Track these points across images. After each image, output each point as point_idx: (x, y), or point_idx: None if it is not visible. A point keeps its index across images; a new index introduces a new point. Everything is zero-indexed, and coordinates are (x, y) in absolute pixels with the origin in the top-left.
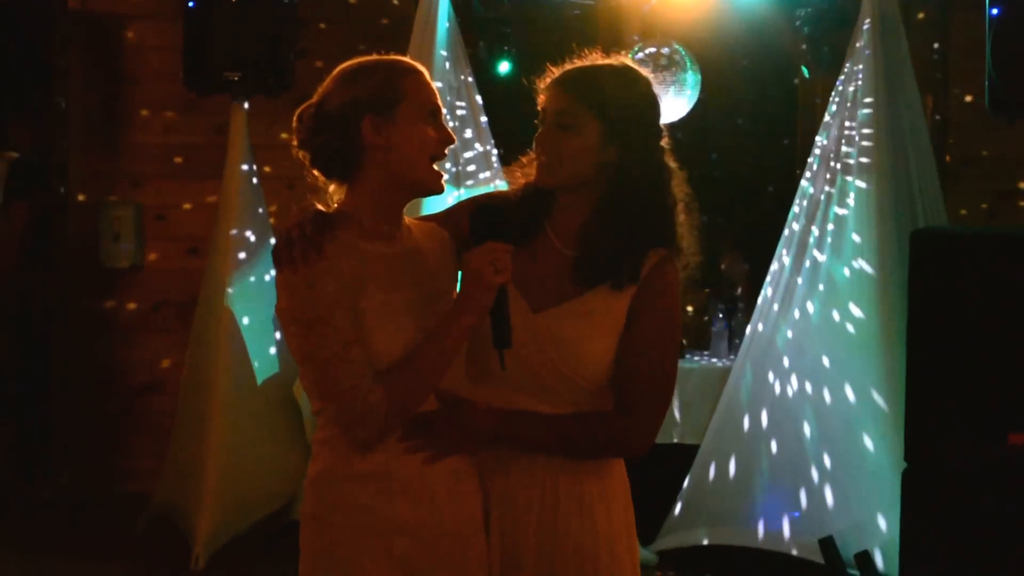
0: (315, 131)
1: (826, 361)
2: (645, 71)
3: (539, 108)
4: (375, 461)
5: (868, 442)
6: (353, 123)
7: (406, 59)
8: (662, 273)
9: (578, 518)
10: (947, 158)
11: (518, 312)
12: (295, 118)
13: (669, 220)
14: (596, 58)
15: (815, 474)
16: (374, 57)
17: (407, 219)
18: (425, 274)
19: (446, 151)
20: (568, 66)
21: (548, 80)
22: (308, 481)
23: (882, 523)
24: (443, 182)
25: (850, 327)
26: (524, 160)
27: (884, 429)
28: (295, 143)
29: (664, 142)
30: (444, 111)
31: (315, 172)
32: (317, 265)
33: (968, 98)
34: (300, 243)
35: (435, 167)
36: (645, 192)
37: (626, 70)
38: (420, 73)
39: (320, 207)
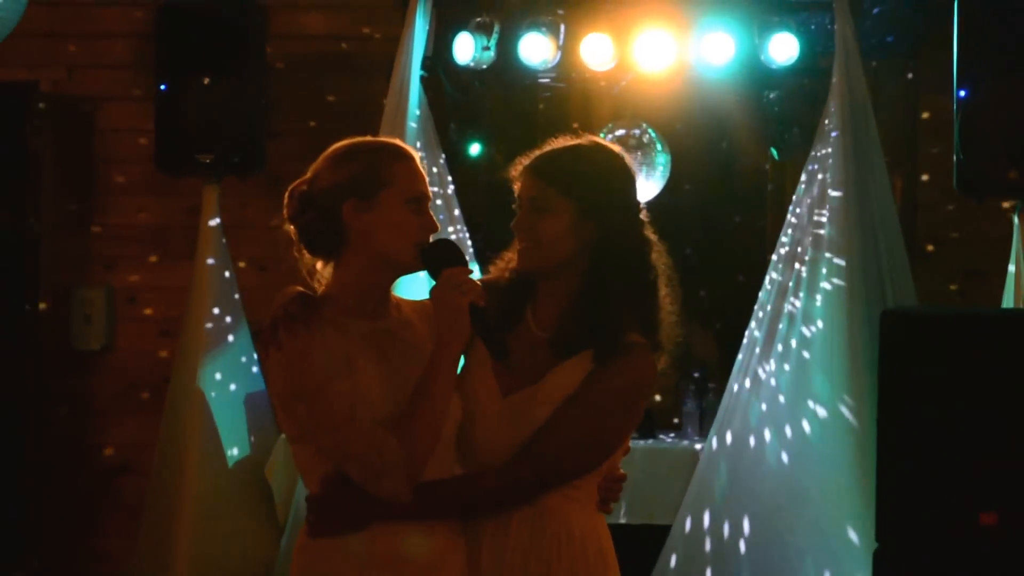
0: (300, 210)
1: (798, 441)
2: (617, 148)
3: (515, 195)
4: (360, 535)
5: (841, 522)
6: (336, 206)
7: (400, 144)
8: (629, 357)
9: None
10: (916, 238)
11: (490, 397)
12: (287, 194)
13: (651, 302)
14: (566, 140)
15: (789, 553)
16: (368, 139)
17: (398, 298)
18: (416, 349)
19: (430, 238)
20: (538, 151)
21: (519, 167)
22: (296, 550)
23: None
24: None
25: (820, 407)
26: (505, 255)
27: (857, 509)
28: (285, 217)
29: (643, 215)
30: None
31: (301, 249)
32: (306, 340)
33: (937, 179)
34: (285, 322)
35: (417, 249)
36: (626, 266)
37: (596, 147)
38: (410, 160)
39: (301, 289)
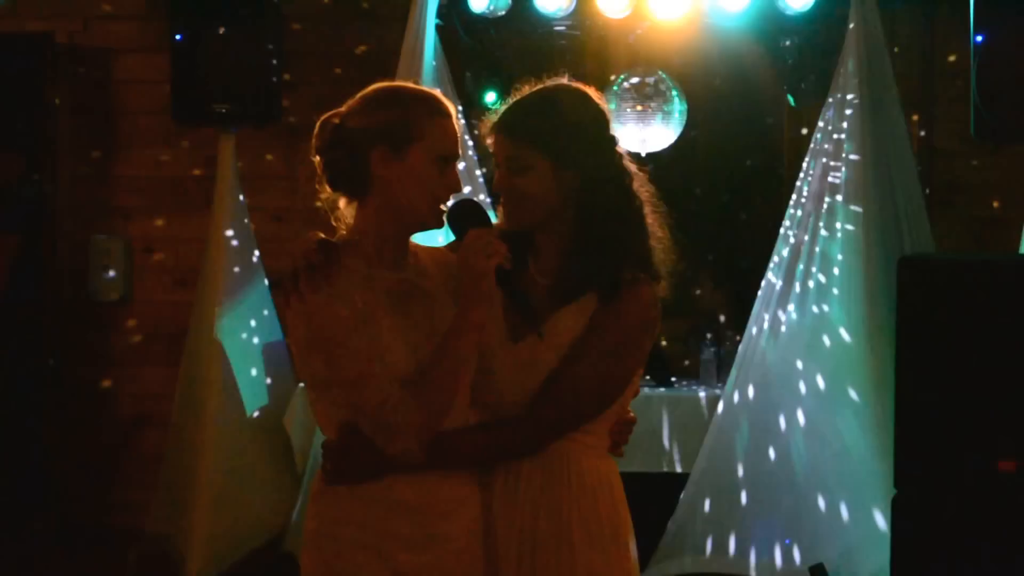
0: (330, 144)
1: (816, 388)
2: (585, 88)
3: (491, 153)
4: (376, 483)
5: (859, 469)
6: (364, 150)
7: (440, 99)
8: (632, 293)
9: (555, 548)
10: (933, 185)
11: (501, 344)
12: (318, 124)
13: (640, 231)
14: (531, 87)
15: (806, 501)
16: (409, 86)
17: (415, 245)
18: (434, 299)
19: (451, 197)
20: (504, 106)
21: (488, 124)
22: (312, 496)
23: (873, 550)
24: (444, 218)
25: (839, 354)
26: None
27: (874, 455)
28: (312, 148)
29: (619, 148)
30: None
31: (323, 181)
32: (327, 291)
33: (954, 125)
34: (307, 273)
35: (439, 206)
36: (611, 201)
37: (563, 93)
38: (447, 117)
39: (323, 236)
